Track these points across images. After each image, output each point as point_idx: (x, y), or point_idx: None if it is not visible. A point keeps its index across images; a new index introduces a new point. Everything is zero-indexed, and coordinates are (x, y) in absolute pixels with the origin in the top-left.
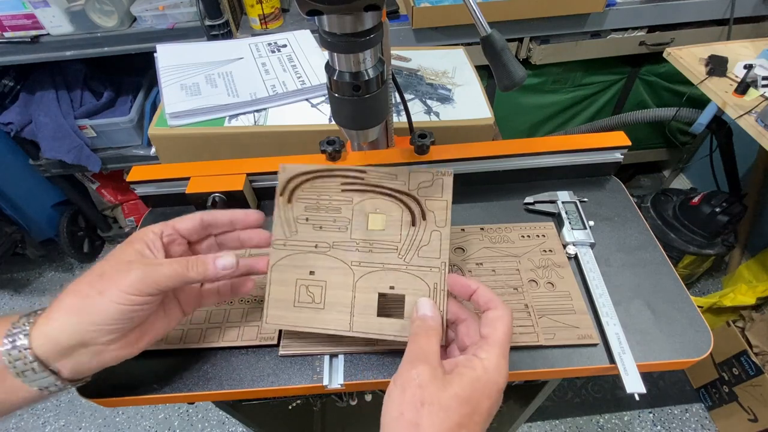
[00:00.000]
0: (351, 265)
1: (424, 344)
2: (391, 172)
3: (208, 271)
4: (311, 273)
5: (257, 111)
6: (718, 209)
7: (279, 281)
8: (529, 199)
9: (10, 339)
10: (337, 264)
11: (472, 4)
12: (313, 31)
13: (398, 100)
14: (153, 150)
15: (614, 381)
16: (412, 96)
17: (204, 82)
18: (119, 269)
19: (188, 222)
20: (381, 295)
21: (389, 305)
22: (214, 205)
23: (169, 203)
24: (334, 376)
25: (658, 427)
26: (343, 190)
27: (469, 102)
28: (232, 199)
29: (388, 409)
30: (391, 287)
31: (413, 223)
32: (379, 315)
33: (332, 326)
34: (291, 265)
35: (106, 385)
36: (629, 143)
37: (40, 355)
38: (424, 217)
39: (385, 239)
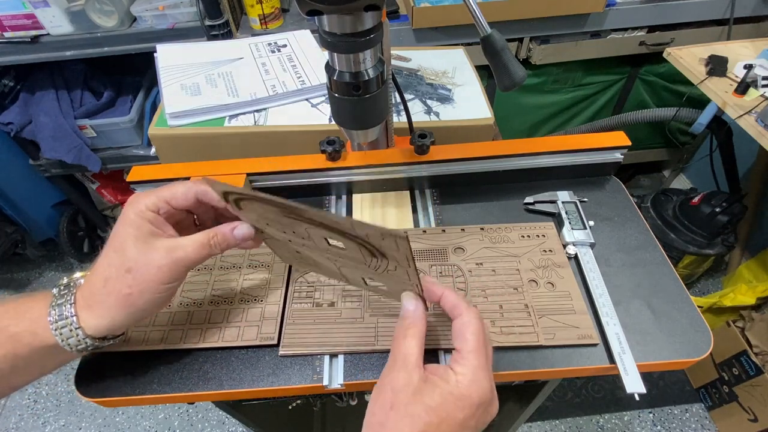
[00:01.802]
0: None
1: (402, 347)
2: (332, 217)
3: (229, 243)
4: (298, 252)
5: (257, 111)
6: (718, 209)
7: (274, 245)
8: (529, 199)
9: (63, 331)
10: (315, 255)
11: (472, 4)
12: (313, 31)
13: (398, 100)
14: (153, 150)
15: (614, 381)
16: (412, 96)
17: (204, 82)
18: (146, 263)
19: (182, 200)
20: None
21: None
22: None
23: None
24: (334, 376)
25: (658, 427)
26: (286, 217)
27: (469, 102)
28: None
29: (369, 407)
30: (370, 278)
31: (373, 255)
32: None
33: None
34: (278, 245)
35: (106, 385)
36: (629, 143)
37: (95, 335)
38: (384, 256)
39: (350, 255)
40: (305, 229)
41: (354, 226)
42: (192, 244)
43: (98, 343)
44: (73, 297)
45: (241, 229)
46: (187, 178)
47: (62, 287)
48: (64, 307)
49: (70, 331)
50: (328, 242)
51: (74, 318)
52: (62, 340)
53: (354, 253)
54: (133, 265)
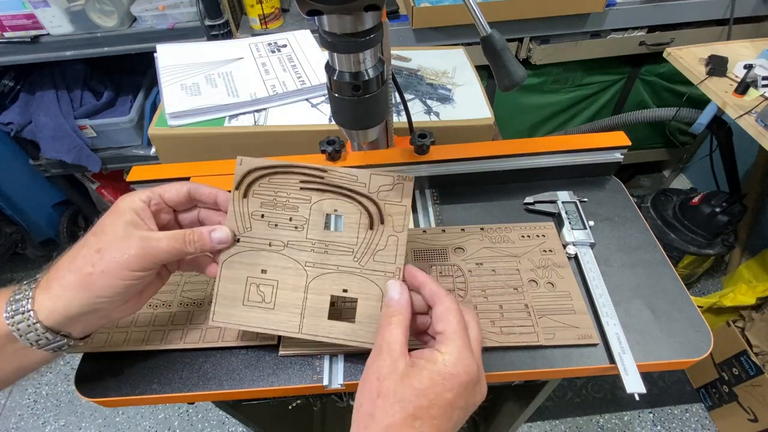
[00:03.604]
0: (305, 265)
1: (386, 335)
2: (351, 174)
3: (205, 245)
4: (263, 271)
5: (257, 111)
6: (718, 209)
7: (229, 278)
8: (529, 199)
9: (16, 318)
10: (290, 264)
11: (472, 4)
12: (313, 31)
13: (398, 100)
14: (153, 150)
15: (614, 381)
16: (412, 96)
17: (204, 82)
18: (118, 246)
19: (175, 194)
20: (333, 298)
21: (342, 308)
22: None
23: None
24: (334, 376)
25: (658, 427)
26: (301, 188)
27: (469, 102)
28: None
29: (356, 399)
30: (345, 290)
31: (371, 227)
32: (330, 318)
33: (281, 327)
34: (243, 263)
35: (106, 385)
36: (629, 143)
37: (51, 326)
38: (382, 221)
39: (341, 241)
40: (313, 204)
41: (373, 174)
42: (167, 237)
43: (59, 341)
44: (34, 287)
45: (220, 232)
46: (187, 178)
47: (27, 282)
48: (21, 302)
49: (28, 326)
50: (325, 224)
51: (29, 303)
52: (20, 335)
53: (350, 232)
54: (104, 246)
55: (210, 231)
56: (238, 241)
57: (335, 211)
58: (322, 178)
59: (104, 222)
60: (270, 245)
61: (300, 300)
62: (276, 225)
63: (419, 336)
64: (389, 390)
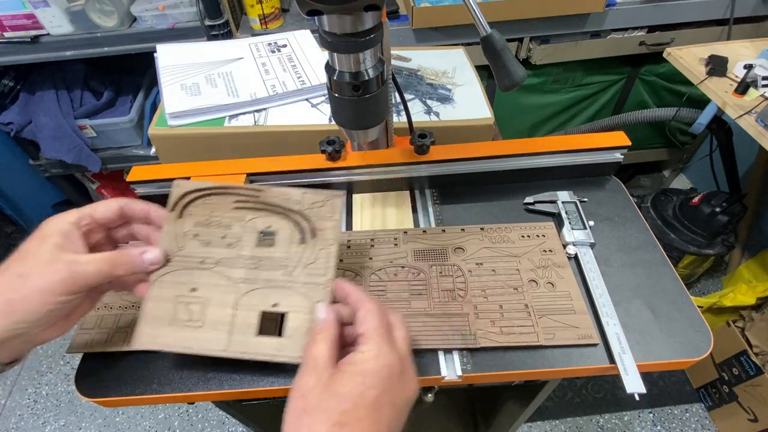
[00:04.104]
0: (236, 282)
1: (312, 351)
2: (285, 193)
3: (136, 267)
4: (193, 290)
5: (257, 111)
6: (718, 209)
7: (157, 298)
8: (529, 199)
9: None
10: (221, 281)
11: (472, 4)
12: (313, 31)
13: (398, 100)
14: (153, 150)
15: (614, 381)
16: (412, 96)
17: (204, 82)
18: (42, 272)
19: (106, 212)
20: (263, 313)
21: (271, 323)
22: None
23: None
24: None
25: (658, 427)
26: (236, 208)
27: (469, 102)
28: None
29: (284, 421)
30: (275, 305)
31: (302, 241)
32: (259, 334)
33: (208, 346)
34: (173, 281)
35: (106, 385)
36: (629, 143)
37: None
38: (313, 236)
39: (273, 256)
40: (247, 222)
41: (305, 193)
42: (94, 260)
43: None
44: None
45: (151, 253)
46: (188, 178)
47: None
48: None
49: None
50: (258, 241)
51: None
52: None
53: (282, 247)
54: (26, 272)
55: (141, 253)
56: (170, 260)
57: (268, 227)
58: (257, 197)
59: (27, 246)
60: (202, 263)
61: (229, 316)
62: (209, 243)
63: (349, 347)
64: (314, 404)
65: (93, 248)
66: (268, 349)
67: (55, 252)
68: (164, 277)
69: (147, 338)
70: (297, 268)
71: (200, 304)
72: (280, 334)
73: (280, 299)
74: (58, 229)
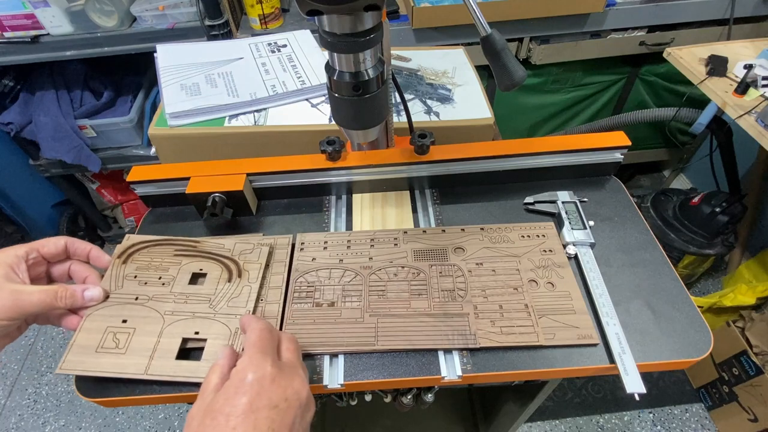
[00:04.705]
0: (164, 314)
1: (204, 381)
2: (219, 243)
3: (76, 302)
4: (123, 321)
5: (257, 111)
6: (718, 209)
7: (88, 329)
8: (529, 199)
9: None
10: (150, 313)
11: (472, 4)
12: (313, 31)
13: (398, 100)
14: (153, 150)
15: (614, 381)
16: (412, 96)
17: (204, 82)
18: None
19: (52, 248)
20: (185, 340)
21: (194, 349)
22: (214, 205)
23: (169, 203)
24: (334, 376)
25: (658, 427)
26: (175, 255)
27: (469, 102)
28: (232, 199)
29: None
30: (196, 332)
31: (229, 279)
32: (179, 358)
33: (127, 370)
34: (106, 315)
35: (106, 385)
36: (629, 143)
37: None
38: (240, 275)
39: (201, 292)
40: (182, 266)
41: (237, 242)
42: (38, 292)
43: None
44: None
45: (92, 291)
46: (188, 179)
47: None
48: None
49: None
50: (191, 279)
51: None
52: None
53: (210, 285)
54: None
55: (83, 290)
56: (108, 298)
57: (200, 270)
58: (195, 247)
59: None
60: (136, 299)
61: (153, 343)
62: (146, 283)
63: None
64: (194, 428)
65: (33, 279)
66: (184, 371)
67: (1, 281)
68: (99, 311)
69: (71, 365)
70: (221, 301)
71: (127, 334)
72: (195, 358)
73: (202, 328)
74: (6, 261)
